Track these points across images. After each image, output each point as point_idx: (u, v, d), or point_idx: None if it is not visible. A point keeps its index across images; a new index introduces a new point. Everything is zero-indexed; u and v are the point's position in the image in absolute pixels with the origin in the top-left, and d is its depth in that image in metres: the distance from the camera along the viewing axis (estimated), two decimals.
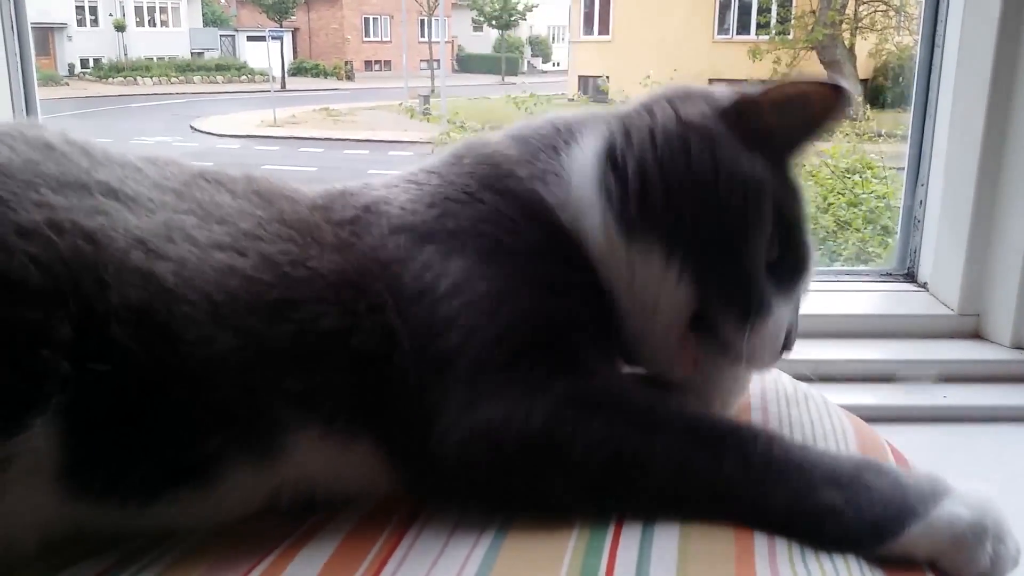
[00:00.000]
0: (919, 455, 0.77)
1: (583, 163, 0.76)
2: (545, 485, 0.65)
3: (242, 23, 12.66)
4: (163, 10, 11.59)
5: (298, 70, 12.30)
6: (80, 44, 10.87)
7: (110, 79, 10.52)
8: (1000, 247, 1.20)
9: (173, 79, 10.77)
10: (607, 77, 6.89)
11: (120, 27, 11.17)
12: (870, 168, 3.00)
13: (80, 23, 10.99)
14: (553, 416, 0.64)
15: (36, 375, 0.58)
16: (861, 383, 1.15)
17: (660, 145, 0.73)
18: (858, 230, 2.66)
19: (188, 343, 0.62)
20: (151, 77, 10.60)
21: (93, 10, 11.15)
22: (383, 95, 9.90)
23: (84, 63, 10.76)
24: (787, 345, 0.77)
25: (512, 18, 13.04)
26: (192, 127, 8.49)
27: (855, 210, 2.78)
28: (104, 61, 10.77)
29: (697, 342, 0.74)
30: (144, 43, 11.33)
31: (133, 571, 0.61)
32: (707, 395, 0.76)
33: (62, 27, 10.37)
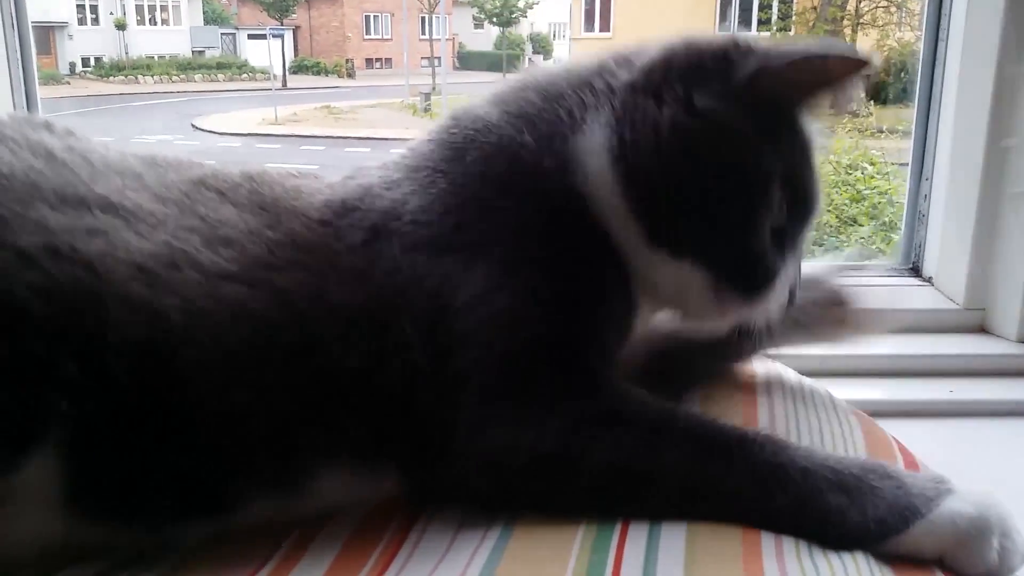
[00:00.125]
0: (925, 450, 0.77)
1: (593, 154, 0.71)
2: (556, 502, 0.65)
3: (243, 21, 12.66)
4: (164, 8, 11.59)
5: (299, 68, 12.30)
6: (81, 43, 10.87)
7: (111, 78, 10.52)
8: (1005, 241, 1.19)
9: (174, 77, 10.77)
10: None
11: (121, 26, 11.18)
12: (872, 164, 2.99)
13: (81, 22, 10.99)
14: (563, 439, 0.64)
15: (37, 413, 0.57)
16: (867, 377, 1.15)
17: (669, 143, 0.70)
18: (861, 226, 2.66)
19: (198, 390, 0.61)
20: (152, 76, 10.61)
21: (94, 9, 11.16)
22: (384, 93, 9.90)
23: (85, 62, 10.76)
24: (791, 299, 0.77)
25: (513, 15, 13.02)
26: (193, 125, 8.49)
27: (858, 206, 2.78)
28: (105, 60, 10.78)
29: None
30: (145, 42, 11.34)
31: (133, 573, 0.61)
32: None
33: (63, 26, 10.38)
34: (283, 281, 0.65)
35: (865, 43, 5.01)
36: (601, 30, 8.34)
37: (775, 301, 0.74)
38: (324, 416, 0.64)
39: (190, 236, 0.65)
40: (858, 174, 2.95)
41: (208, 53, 11.84)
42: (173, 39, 11.58)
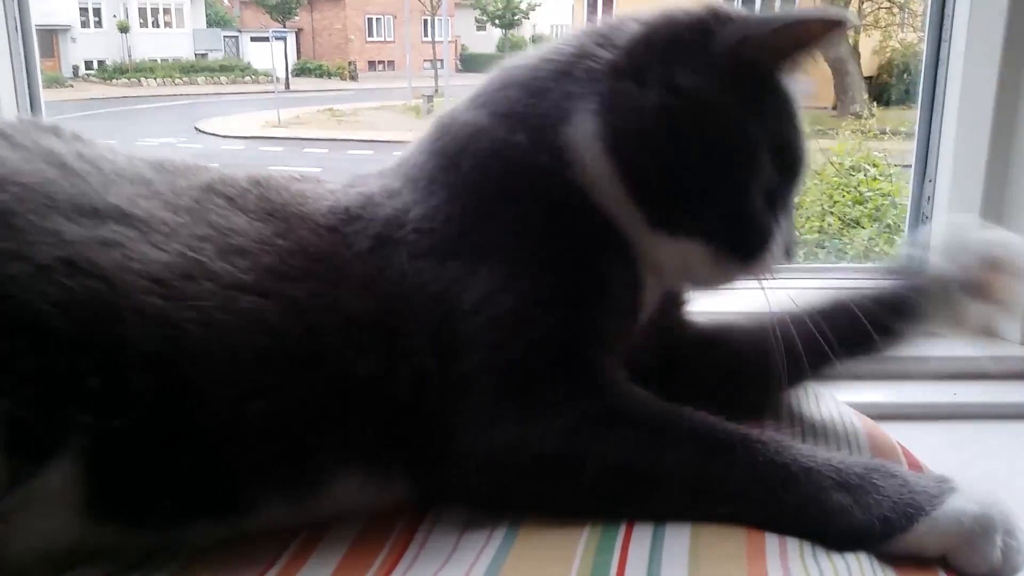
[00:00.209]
0: (930, 453, 0.77)
1: (586, 143, 0.71)
2: (559, 503, 0.65)
3: (245, 24, 12.67)
4: (167, 11, 11.61)
5: (302, 71, 12.30)
6: (84, 46, 10.89)
7: (114, 81, 10.54)
8: None
9: (177, 80, 10.78)
10: None
11: (124, 29, 11.19)
12: (875, 166, 2.99)
13: (84, 25, 11.01)
14: (567, 439, 0.64)
15: (59, 424, 0.57)
16: (871, 380, 1.14)
17: (657, 126, 0.70)
18: (864, 228, 2.65)
19: (213, 401, 0.61)
20: (155, 78, 10.61)
21: (97, 12, 11.17)
22: (387, 95, 9.90)
23: (88, 65, 10.78)
24: (788, 254, 0.77)
25: (515, 17, 13.02)
26: (196, 128, 8.50)
27: (861, 208, 2.78)
28: (108, 63, 10.79)
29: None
30: (148, 44, 11.35)
31: (142, 573, 0.61)
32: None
33: (66, 29, 10.39)
34: (295, 290, 0.65)
35: (868, 45, 5.00)
36: None
37: (772, 261, 0.75)
38: (335, 422, 0.64)
39: (204, 246, 0.65)
40: (861, 176, 2.94)
41: (211, 56, 11.85)
42: (176, 42, 11.59)
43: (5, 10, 1.25)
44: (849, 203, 2.81)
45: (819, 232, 2.67)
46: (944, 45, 1.25)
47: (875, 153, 3.07)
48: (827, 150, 2.97)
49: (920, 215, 1.32)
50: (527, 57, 0.77)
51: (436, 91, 8.97)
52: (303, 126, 8.61)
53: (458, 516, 0.67)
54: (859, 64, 4.85)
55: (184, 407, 0.61)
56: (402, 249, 0.69)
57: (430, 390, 0.65)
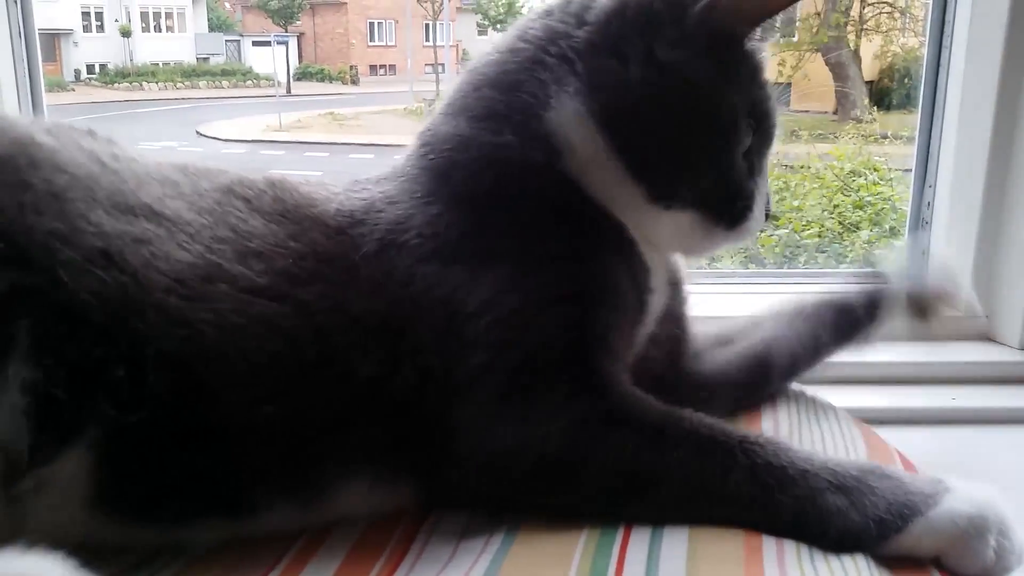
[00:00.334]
0: (927, 457, 0.77)
1: (574, 127, 0.72)
2: (559, 503, 0.66)
3: (247, 28, 12.67)
4: (169, 16, 11.60)
5: (303, 75, 12.29)
6: (86, 50, 10.89)
7: (116, 84, 10.53)
8: (1009, 248, 1.19)
9: (179, 84, 10.78)
10: None
11: (126, 33, 11.20)
12: (875, 170, 2.99)
13: (86, 29, 11.00)
14: (569, 440, 0.65)
15: (83, 409, 0.58)
16: (869, 385, 1.15)
17: (642, 100, 0.72)
18: (864, 232, 2.65)
19: (226, 403, 0.62)
20: (157, 82, 10.61)
21: (99, 16, 11.17)
22: (388, 99, 9.88)
23: (90, 69, 10.77)
24: (767, 216, 0.80)
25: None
26: (198, 132, 8.49)
27: (861, 212, 2.78)
28: (110, 67, 10.78)
29: None
30: (150, 49, 11.34)
31: (146, 572, 0.61)
32: None
33: (68, 33, 10.39)
34: (306, 294, 0.66)
35: (869, 49, 5.00)
36: None
37: (755, 225, 0.78)
38: (341, 425, 0.65)
39: (222, 248, 0.66)
40: (861, 180, 2.94)
41: (213, 60, 11.85)
42: (178, 46, 11.59)
43: (8, 14, 1.26)
44: (849, 207, 2.81)
45: (819, 236, 2.67)
46: (945, 50, 1.25)
47: (876, 157, 3.06)
48: (827, 155, 2.97)
49: (920, 220, 1.33)
50: (490, 53, 0.78)
51: (437, 95, 8.96)
52: (304, 130, 8.60)
53: (458, 520, 0.67)
54: (860, 68, 4.85)
55: (196, 406, 0.62)
56: (407, 253, 0.70)
57: (433, 391, 0.66)
